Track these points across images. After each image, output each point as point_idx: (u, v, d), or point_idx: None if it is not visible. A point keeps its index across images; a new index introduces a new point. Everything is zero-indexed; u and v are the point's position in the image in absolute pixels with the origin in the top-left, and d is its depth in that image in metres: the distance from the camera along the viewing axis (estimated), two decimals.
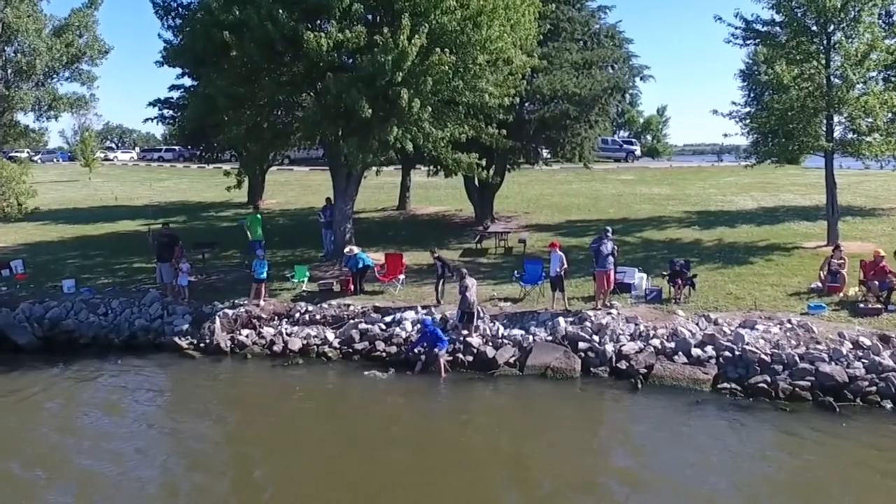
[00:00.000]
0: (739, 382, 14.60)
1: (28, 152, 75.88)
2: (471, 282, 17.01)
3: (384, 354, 16.96)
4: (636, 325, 16.58)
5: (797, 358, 14.65)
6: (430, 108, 18.80)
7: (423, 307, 18.22)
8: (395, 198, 35.17)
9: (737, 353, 15.13)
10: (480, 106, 21.29)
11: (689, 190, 37.07)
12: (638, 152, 58.84)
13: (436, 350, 16.14)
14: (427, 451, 12.43)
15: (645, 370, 15.30)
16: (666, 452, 12.21)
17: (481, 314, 17.41)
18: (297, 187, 42.31)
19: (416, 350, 16.41)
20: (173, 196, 42.16)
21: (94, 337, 18.67)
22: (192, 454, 12.51)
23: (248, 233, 23.05)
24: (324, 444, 12.80)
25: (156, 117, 34.10)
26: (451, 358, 16.41)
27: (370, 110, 17.86)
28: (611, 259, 17.38)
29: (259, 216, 23.69)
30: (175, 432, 13.45)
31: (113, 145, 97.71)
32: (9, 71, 35.59)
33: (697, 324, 16.44)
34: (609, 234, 17.60)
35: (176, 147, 67.42)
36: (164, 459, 12.26)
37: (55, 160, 73.81)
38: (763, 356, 14.84)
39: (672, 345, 15.75)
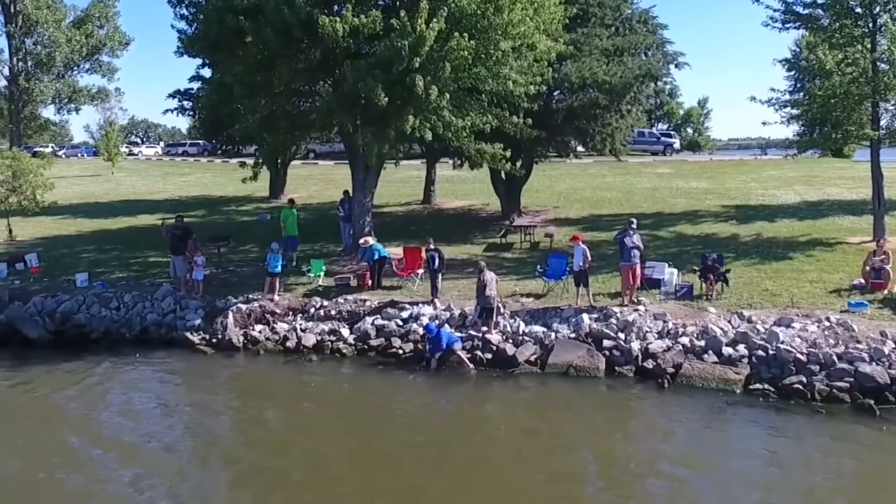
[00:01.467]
0: (773, 383, 14.21)
1: (53, 147, 77.79)
2: (490, 276, 16.82)
3: (400, 351, 16.86)
4: (664, 322, 16.26)
5: (835, 358, 14.23)
6: (448, 96, 18.62)
7: (424, 303, 18.09)
8: (420, 192, 35.03)
9: (771, 352, 14.74)
10: (504, 94, 21.06)
11: (728, 184, 36.35)
12: (677, 145, 57.93)
13: (454, 347, 15.98)
14: (446, 454, 12.18)
15: (672, 369, 14.98)
16: (696, 458, 11.86)
17: (502, 310, 17.21)
18: (321, 181, 42.35)
19: (434, 357, 16.18)
20: (195, 190, 42.39)
21: (105, 331, 18.83)
22: (208, 452, 12.48)
23: (283, 227, 22.84)
24: (341, 446, 12.71)
25: (175, 109, 34.51)
26: (469, 355, 16.25)
27: (386, 98, 17.74)
28: (636, 252, 17.07)
29: (294, 211, 23.40)
30: (190, 431, 13.43)
31: (138, 140, 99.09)
32: (28, 63, 36.38)
33: (730, 321, 16.07)
34: (634, 226, 17.28)
35: (200, 141, 68.07)
36: (181, 459, 12.19)
37: (79, 155, 74.74)
38: (799, 355, 14.44)
39: (702, 343, 15.41)
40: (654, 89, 72.12)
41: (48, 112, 38.73)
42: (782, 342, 14.80)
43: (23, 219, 29.92)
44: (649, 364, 15.30)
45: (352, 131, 19.12)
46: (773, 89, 23.35)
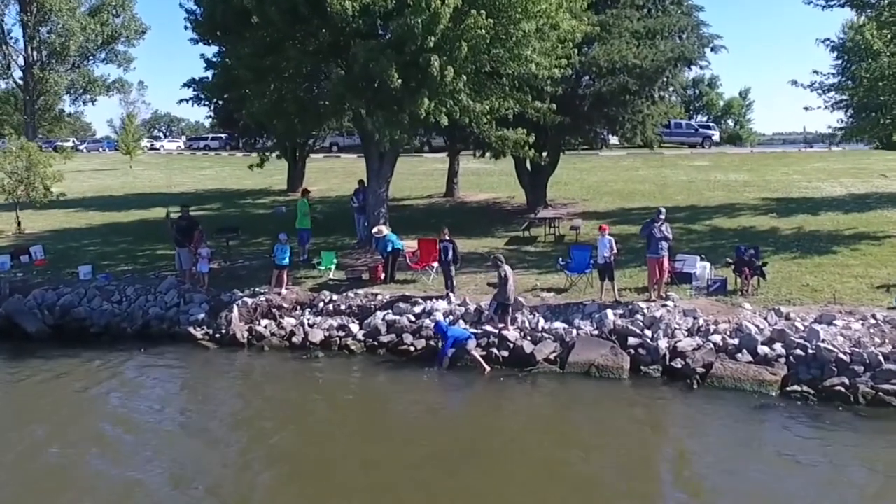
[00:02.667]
0: (812, 385, 13.45)
1: (74, 141, 78.62)
2: (508, 270, 16.21)
3: (412, 349, 16.34)
4: (694, 318, 15.55)
5: (881, 358, 13.43)
6: (465, 78, 18.03)
7: (429, 298, 17.56)
8: (443, 185, 34.57)
9: (810, 351, 13.98)
10: (527, 78, 20.45)
11: (769, 176, 35.54)
12: (716, 137, 56.75)
13: (466, 346, 15.43)
14: (460, 461, 11.56)
15: (703, 369, 14.28)
16: (730, 467, 11.15)
17: (520, 306, 16.61)
18: (342, 174, 42.00)
19: (447, 355, 15.64)
20: (212, 184, 42.45)
21: (105, 325, 18.53)
22: (207, 457, 12.04)
23: (298, 219, 22.36)
24: (345, 452, 12.24)
25: (190, 98, 34.22)
26: (484, 353, 15.68)
27: (399, 80, 17.20)
28: (664, 244, 16.37)
29: (306, 202, 22.96)
30: (186, 431, 13.05)
31: (161, 134, 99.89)
32: (43, 52, 36.45)
33: (766, 318, 15.33)
34: (662, 216, 16.55)
35: (223, 135, 68.23)
36: (174, 463, 11.76)
37: (101, 149, 75.48)
38: (841, 355, 13.67)
39: (735, 341, 14.69)
40: (693, 79, 71.53)
41: (64, 103, 38.92)
42: (823, 341, 14.04)
43: (33, 212, 30.00)
44: (678, 363, 14.61)
45: (364, 115, 18.55)
46: (815, 72, 22.47)
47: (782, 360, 14.11)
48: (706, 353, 14.59)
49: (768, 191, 31.01)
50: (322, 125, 21.21)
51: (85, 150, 76.53)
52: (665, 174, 37.27)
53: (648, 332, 15.39)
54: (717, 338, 14.89)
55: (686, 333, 15.28)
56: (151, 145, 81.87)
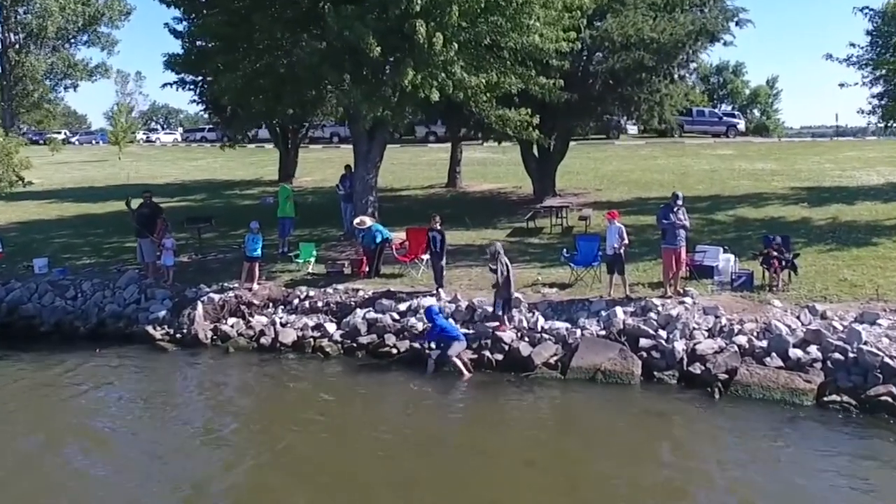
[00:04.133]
0: (854, 394, 11.98)
1: (66, 133, 77.83)
2: (507, 261, 14.80)
3: (394, 350, 14.94)
4: (716, 317, 14.07)
5: None
6: (456, 46, 16.59)
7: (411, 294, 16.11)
8: (446, 175, 33.21)
9: (851, 355, 12.48)
10: (530, 50, 19.04)
11: (799, 165, 33.93)
12: (741, 126, 54.97)
13: (450, 346, 14.05)
14: (441, 490, 10.17)
15: (725, 375, 12.83)
16: (759, 491, 9.72)
17: (517, 302, 15.19)
18: (338, 164, 40.28)
19: (428, 345, 14.33)
20: (201, 175, 41.40)
21: (56, 324, 17.26)
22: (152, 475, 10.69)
23: (280, 207, 21.00)
24: (308, 479, 10.82)
25: (175, 82, 32.97)
26: (475, 356, 14.25)
27: (379, 48, 15.77)
28: (682, 234, 14.88)
29: (287, 187, 21.48)
30: (131, 446, 11.71)
31: (158, 126, 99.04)
32: (20, 35, 35.30)
33: (799, 317, 13.84)
34: (680, 201, 15.03)
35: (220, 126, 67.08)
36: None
37: (94, 141, 74.65)
38: (888, 360, 12.18)
39: (763, 343, 13.21)
40: (716, 66, 69.93)
41: (44, 89, 37.40)
42: (865, 343, 12.55)
43: (5, 203, 28.90)
44: (696, 368, 13.16)
45: (343, 89, 17.12)
46: (852, 44, 20.89)
47: (818, 365, 12.64)
48: (730, 357, 13.09)
49: (798, 180, 29.42)
50: (302, 102, 19.77)
51: (77, 143, 75.86)
52: (686, 163, 35.73)
53: (663, 333, 13.92)
54: (742, 339, 13.41)
55: (706, 334, 13.80)
56: (147, 138, 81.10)
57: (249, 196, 32.59)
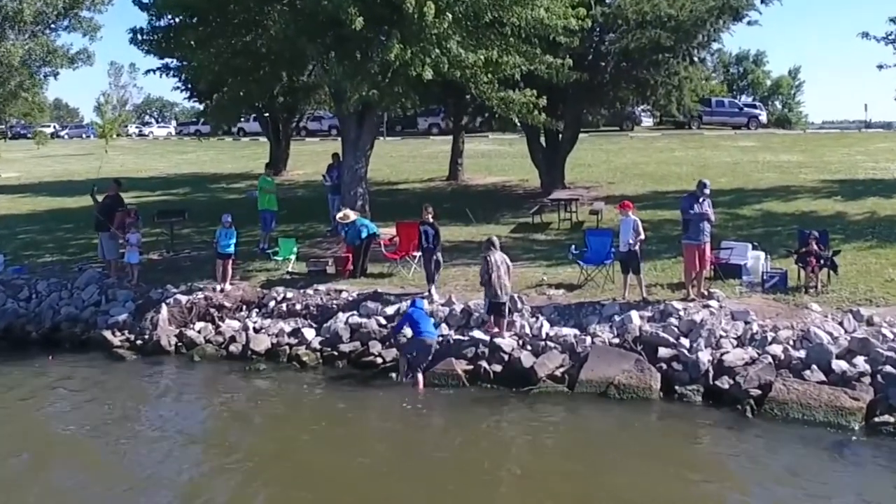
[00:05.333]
0: None
1: (55, 127, 76.74)
2: (501, 258, 13.39)
3: (379, 360, 13.62)
4: (746, 323, 12.68)
5: None
6: (450, 17, 15.23)
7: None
8: (447, 168, 31.90)
9: None
10: (535, 27, 17.71)
11: (828, 157, 32.64)
12: (763, 118, 53.47)
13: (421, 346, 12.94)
14: None
15: (758, 391, 11.45)
16: None
17: (518, 305, 13.80)
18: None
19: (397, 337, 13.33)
20: (189, 168, 40.28)
21: (6, 328, 15.99)
22: None
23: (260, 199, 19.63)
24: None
25: (159, 68, 31.71)
26: (470, 367, 12.88)
27: (361, 18, 14.40)
28: (707, 227, 13.47)
29: (269, 178, 20.08)
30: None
31: (152, 119, 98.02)
32: None
33: (842, 323, 12.45)
34: (707, 190, 13.58)
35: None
36: None
37: (84, 135, 73.65)
38: None
39: (801, 354, 11.83)
40: (736, 55, 68.41)
41: (21, 77, 36.16)
42: None
43: None
44: (724, 383, 11.77)
45: (324, 66, 15.78)
46: (893, 20, 19.41)
47: (866, 379, 11.24)
48: (763, 370, 11.68)
49: (828, 172, 28.05)
50: (288, 85, 18.52)
51: (67, 136, 74.87)
52: (705, 155, 34.47)
53: (685, 341, 12.51)
54: (776, 349, 12.00)
55: (735, 343, 12.40)
56: (140, 131, 79.97)
57: (236, 190, 31.34)
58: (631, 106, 31.18)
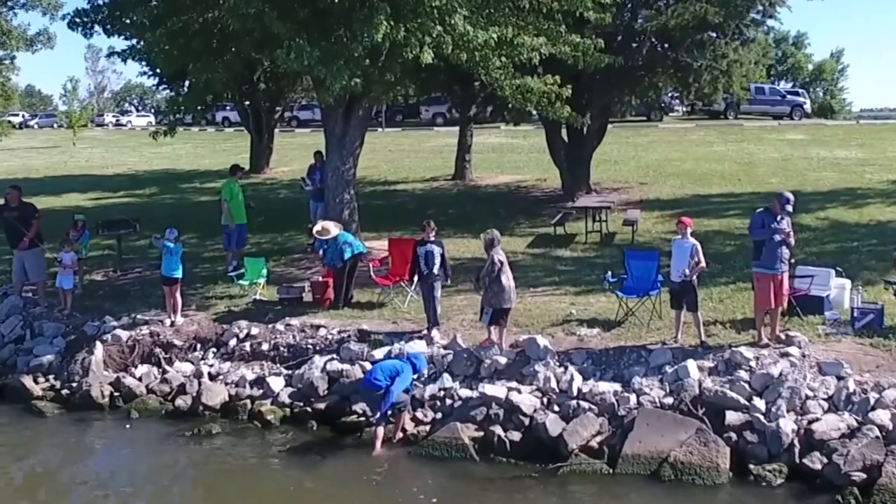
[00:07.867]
0: None
1: (25, 116, 75.26)
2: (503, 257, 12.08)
3: (362, 420, 11.43)
4: (840, 379, 10.45)
5: None
6: None
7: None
8: (453, 164, 29.94)
9: None
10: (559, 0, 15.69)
11: (891, 152, 30.78)
12: (807, 106, 51.44)
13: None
14: None
15: (862, 475, 9.29)
16: None
17: (540, 350, 11.65)
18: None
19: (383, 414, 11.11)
20: (161, 164, 38.62)
21: None
22: None
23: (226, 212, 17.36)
24: None
25: (123, 51, 29.76)
26: (480, 433, 10.72)
27: None
28: (786, 254, 11.24)
29: (234, 184, 17.81)
30: None
31: (132, 108, 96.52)
32: None
33: None
34: (790, 206, 11.26)
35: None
36: None
37: (55, 125, 72.18)
38: None
39: None
40: (774, 37, 66.30)
41: None
42: None
43: None
44: (815, 461, 9.62)
45: (298, 47, 13.57)
46: None
47: None
48: (868, 446, 9.48)
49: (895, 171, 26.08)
50: (250, 66, 16.55)
51: (36, 126, 73.52)
52: (749, 150, 32.75)
53: (760, 403, 10.31)
54: (883, 416, 9.81)
55: (826, 406, 10.21)
56: (118, 120, 78.54)
57: (209, 191, 29.31)
58: (666, 93, 29.15)
